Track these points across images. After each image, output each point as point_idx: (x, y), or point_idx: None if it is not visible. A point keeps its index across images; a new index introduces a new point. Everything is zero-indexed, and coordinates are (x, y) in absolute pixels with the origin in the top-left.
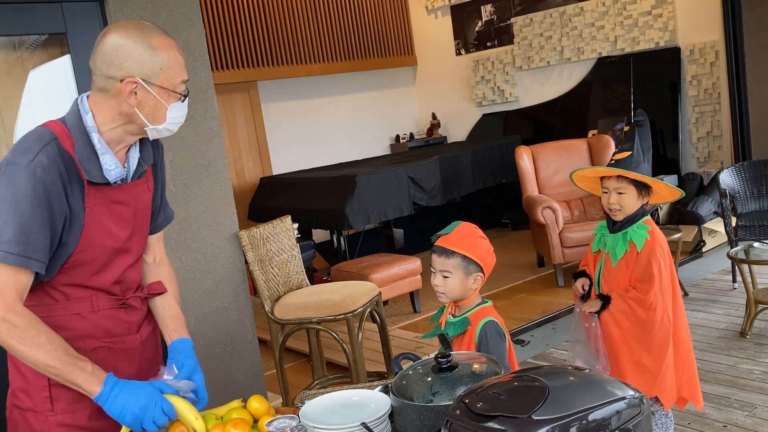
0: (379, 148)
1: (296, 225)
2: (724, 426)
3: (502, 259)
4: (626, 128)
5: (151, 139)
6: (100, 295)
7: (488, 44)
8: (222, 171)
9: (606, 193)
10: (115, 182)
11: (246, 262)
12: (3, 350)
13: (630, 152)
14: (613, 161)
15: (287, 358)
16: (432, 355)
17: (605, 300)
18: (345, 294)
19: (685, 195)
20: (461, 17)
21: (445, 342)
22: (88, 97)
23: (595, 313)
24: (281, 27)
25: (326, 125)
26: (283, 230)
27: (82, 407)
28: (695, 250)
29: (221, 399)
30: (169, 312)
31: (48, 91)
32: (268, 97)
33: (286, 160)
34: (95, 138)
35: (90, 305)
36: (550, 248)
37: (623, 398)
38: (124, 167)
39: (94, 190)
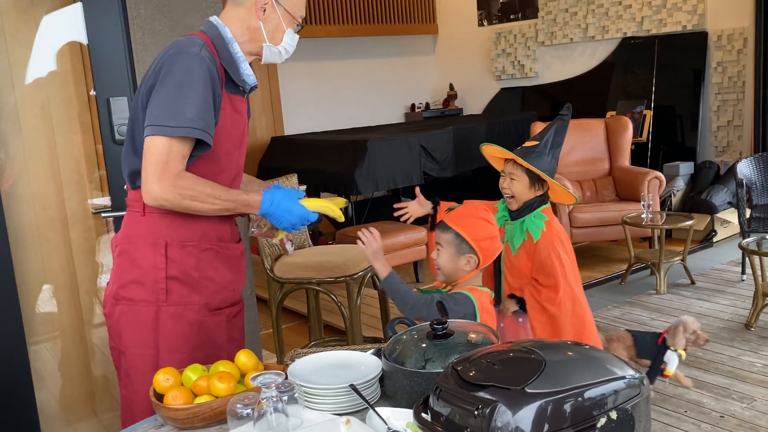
0: (394, 115)
1: (304, 186)
2: (721, 416)
3: None
4: (646, 112)
5: (263, 60)
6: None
7: (512, 17)
8: None
9: (503, 176)
10: (250, 88)
11: (249, 218)
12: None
13: (537, 142)
14: (519, 147)
15: (285, 319)
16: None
17: (519, 299)
18: (347, 257)
19: (578, 202)
20: None
21: (443, 309)
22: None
23: (517, 309)
24: None
25: (342, 89)
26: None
27: (193, 301)
28: (706, 239)
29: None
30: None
31: (59, 37)
32: None
33: (299, 121)
34: (236, 47)
35: None
36: None
37: (623, 377)
38: None
39: (226, 96)
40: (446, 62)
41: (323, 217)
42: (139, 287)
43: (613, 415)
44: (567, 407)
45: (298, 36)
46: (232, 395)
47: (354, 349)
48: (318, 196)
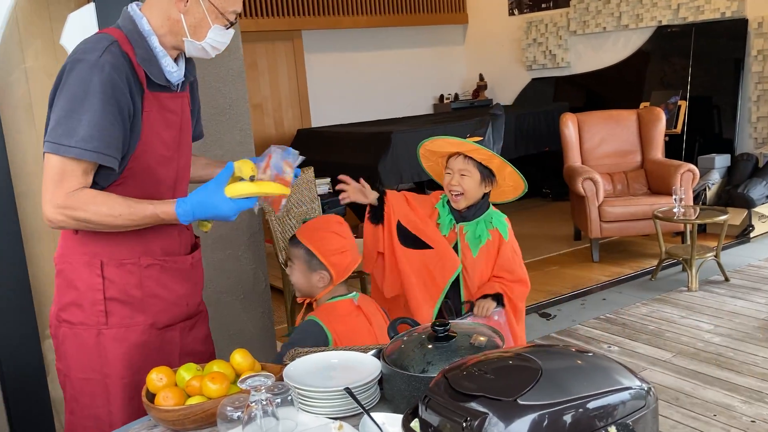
0: (422, 106)
1: (328, 179)
2: (752, 421)
3: (538, 229)
4: (681, 102)
5: (186, 54)
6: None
7: (543, 6)
8: (242, 115)
9: (449, 174)
10: (176, 84)
11: (263, 211)
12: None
13: (481, 138)
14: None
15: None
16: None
17: (495, 297)
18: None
19: (527, 191)
20: None
21: (449, 310)
22: (137, 6)
23: (495, 307)
24: None
25: (369, 80)
26: (305, 182)
27: (137, 322)
28: (742, 234)
29: (231, 347)
30: (204, 159)
31: (78, 35)
32: (311, 48)
33: (325, 113)
34: (154, 41)
35: None
36: (588, 221)
37: (627, 388)
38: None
39: (151, 96)
40: (476, 52)
41: (347, 208)
42: (77, 310)
43: (614, 430)
44: (564, 421)
45: (231, 32)
46: (224, 396)
47: (356, 349)
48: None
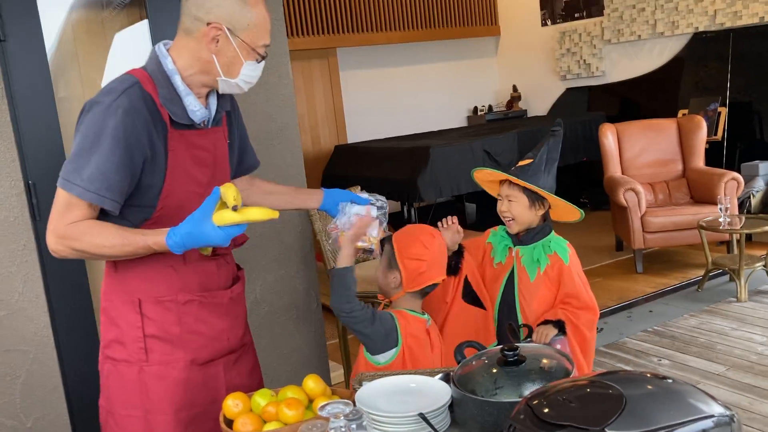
0: (456, 119)
1: (364, 194)
2: None
3: (579, 240)
4: (720, 109)
5: (220, 92)
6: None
7: (576, 15)
8: (293, 139)
9: (500, 199)
10: (200, 123)
11: (313, 231)
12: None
13: (531, 160)
14: (513, 168)
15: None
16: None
17: (557, 324)
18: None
19: (584, 217)
20: None
21: (513, 332)
22: (165, 45)
23: (557, 335)
24: None
25: (403, 95)
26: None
27: (176, 359)
28: None
29: (284, 366)
30: (280, 186)
31: (128, 54)
32: (346, 65)
33: (362, 129)
34: (177, 80)
35: (182, 256)
36: (631, 232)
37: (711, 416)
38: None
39: (177, 134)
40: (509, 64)
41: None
42: (120, 347)
43: None
44: None
45: (262, 65)
46: (300, 422)
47: (422, 373)
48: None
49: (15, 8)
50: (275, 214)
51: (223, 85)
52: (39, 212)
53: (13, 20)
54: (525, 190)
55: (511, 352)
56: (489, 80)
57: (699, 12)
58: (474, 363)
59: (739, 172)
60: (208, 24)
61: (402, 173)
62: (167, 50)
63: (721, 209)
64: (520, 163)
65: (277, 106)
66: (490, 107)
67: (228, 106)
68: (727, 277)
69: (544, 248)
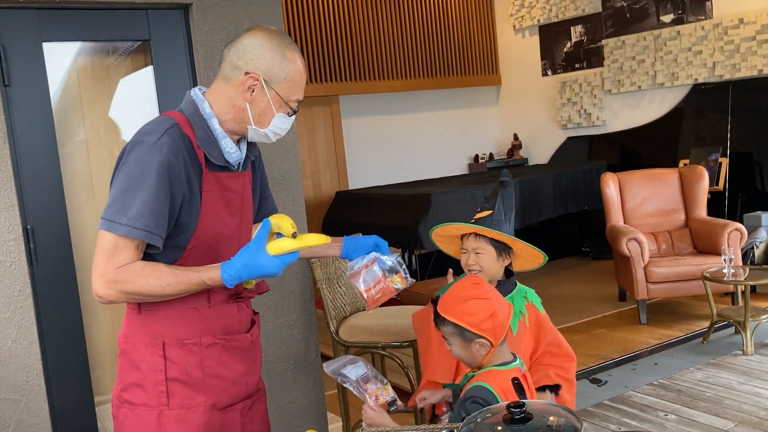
0: (457, 166)
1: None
2: None
3: (581, 290)
4: (721, 159)
5: (249, 139)
6: (215, 287)
7: (576, 66)
8: (296, 186)
9: (465, 253)
10: (235, 164)
11: (314, 279)
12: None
13: (491, 211)
14: (473, 220)
15: None
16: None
17: (553, 388)
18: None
19: (547, 260)
20: (549, 37)
21: (519, 389)
22: (200, 90)
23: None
24: (365, 42)
25: (405, 142)
26: None
27: (197, 403)
28: None
29: (282, 418)
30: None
31: (132, 99)
32: (348, 112)
33: (363, 175)
34: (215, 123)
35: (206, 298)
36: (634, 282)
37: None
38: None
39: (211, 176)
40: (510, 112)
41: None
42: (139, 390)
43: None
44: None
45: (292, 119)
46: None
47: (424, 429)
48: None
49: (21, 54)
50: (328, 240)
51: (252, 134)
52: (36, 257)
53: (19, 66)
54: (492, 240)
55: (518, 409)
56: (490, 128)
57: (698, 64)
58: (479, 419)
59: (741, 222)
60: (247, 73)
61: (403, 220)
62: (203, 95)
63: (725, 260)
64: (478, 215)
65: (279, 152)
66: (491, 155)
67: (256, 152)
68: (732, 329)
69: (521, 299)
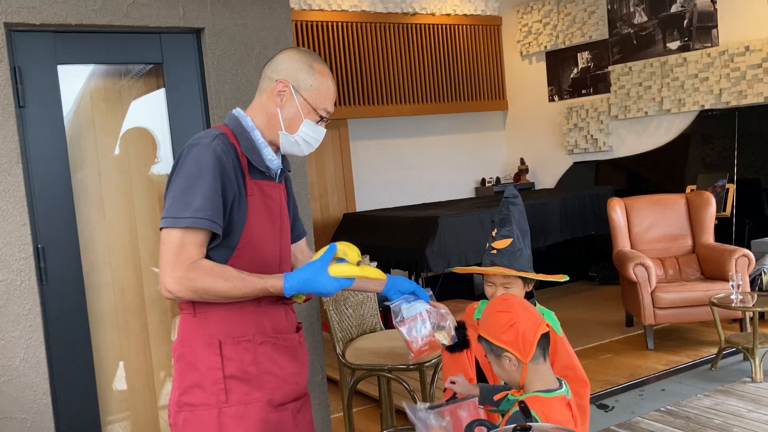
0: (464, 190)
1: (375, 264)
2: None
3: (588, 315)
4: (729, 185)
5: (281, 148)
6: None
7: (583, 92)
8: (304, 207)
9: (491, 286)
10: (275, 171)
11: (321, 301)
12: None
13: (511, 239)
14: (495, 251)
15: (356, 402)
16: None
17: None
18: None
19: (568, 279)
20: (556, 64)
21: (525, 411)
22: (242, 110)
23: None
24: (374, 66)
25: (412, 165)
26: None
27: (255, 399)
28: None
29: None
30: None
31: (143, 121)
32: (357, 135)
33: (370, 198)
34: (257, 135)
35: (257, 300)
36: (641, 308)
37: None
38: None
39: (253, 183)
40: (517, 137)
41: None
42: (198, 391)
43: None
44: None
45: (323, 129)
46: None
47: None
48: (388, 272)
49: (36, 76)
50: (384, 276)
51: (283, 140)
52: (47, 277)
53: (34, 87)
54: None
55: None
56: (497, 153)
57: (705, 90)
58: None
59: (749, 248)
60: (277, 80)
61: (410, 242)
62: (245, 111)
63: (732, 286)
64: (499, 244)
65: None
66: (497, 179)
67: (289, 166)
68: (740, 356)
69: None
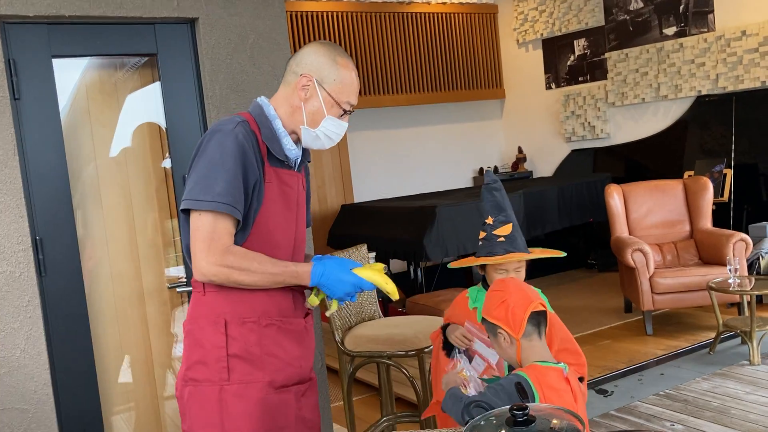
0: (462, 180)
1: (373, 254)
2: None
3: (587, 301)
4: (726, 171)
5: (302, 141)
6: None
7: (580, 79)
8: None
9: (502, 273)
10: (294, 160)
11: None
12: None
13: (510, 223)
14: (502, 238)
15: (356, 390)
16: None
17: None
18: (418, 329)
19: (565, 255)
20: (553, 51)
21: (522, 392)
22: (266, 99)
23: None
24: (370, 56)
25: (410, 155)
26: (359, 259)
27: (256, 379)
28: None
29: None
30: None
31: (138, 116)
32: (353, 126)
33: (368, 189)
34: (278, 124)
35: None
36: (639, 293)
37: None
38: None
39: (272, 170)
40: (514, 126)
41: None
42: (202, 367)
43: None
44: None
45: (345, 124)
46: None
47: None
48: (387, 263)
49: (31, 68)
50: (396, 297)
51: (305, 134)
52: (45, 268)
53: (29, 80)
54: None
55: (521, 412)
56: (494, 142)
57: (701, 76)
58: (482, 423)
59: (746, 233)
60: (301, 75)
61: (408, 233)
62: (268, 101)
63: (730, 270)
64: (502, 231)
65: None
66: (495, 168)
67: (309, 157)
68: (738, 340)
69: None
